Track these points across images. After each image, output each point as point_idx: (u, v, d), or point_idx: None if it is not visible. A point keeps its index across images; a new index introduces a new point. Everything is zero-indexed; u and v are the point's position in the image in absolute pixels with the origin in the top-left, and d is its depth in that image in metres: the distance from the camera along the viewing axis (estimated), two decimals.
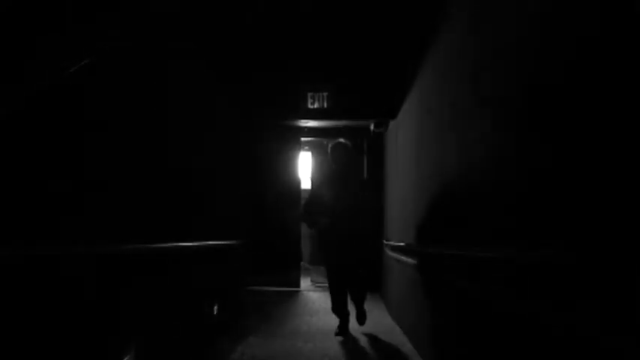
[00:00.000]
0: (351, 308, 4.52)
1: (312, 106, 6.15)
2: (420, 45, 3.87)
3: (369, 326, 4.68)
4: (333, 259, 4.36)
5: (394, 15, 4.34)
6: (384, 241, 6.25)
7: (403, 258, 4.48)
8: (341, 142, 4.54)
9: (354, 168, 4.67)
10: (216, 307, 3.94)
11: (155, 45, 2.69)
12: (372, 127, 6.72)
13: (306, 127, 6.79)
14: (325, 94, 6.16)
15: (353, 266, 4.37)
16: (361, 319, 4.53)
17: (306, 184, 7.62)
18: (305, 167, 7.88)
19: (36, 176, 1.61)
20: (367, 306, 5.93)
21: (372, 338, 4.24)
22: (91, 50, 1.93)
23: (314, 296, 6.42)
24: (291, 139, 7.11)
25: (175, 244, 2.94)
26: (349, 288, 4.41)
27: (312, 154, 7.92)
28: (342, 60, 5.59)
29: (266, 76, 5.65)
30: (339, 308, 4.38)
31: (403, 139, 5.01)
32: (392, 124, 5.97)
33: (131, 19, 2.34)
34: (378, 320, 5.07)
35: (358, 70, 5.68)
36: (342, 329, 4.30)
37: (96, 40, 1.98)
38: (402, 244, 4.51)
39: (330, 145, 4.57)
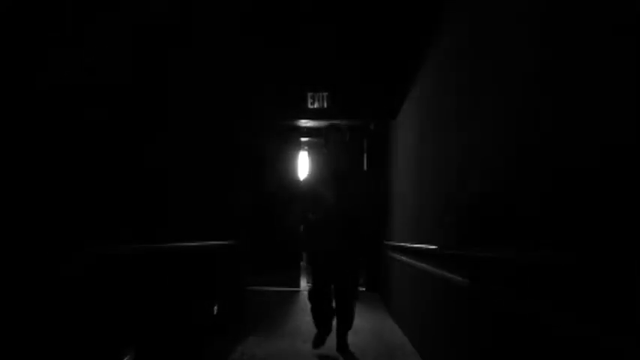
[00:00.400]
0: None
1: (312, 106, 6.15)
2: (421, 44, 3.87)
3: (369, 326, 4.68)
4: (319, 278, 3.75)
5: (395, 15, 4.34)
6: (385, 241, 6.26)
7: (404, 258, 4.49)
8: (336, 126, 3.92)
9: (352, 162, 3.98)
10: (216, 307, 3.93)
11: (155, 45, 2.69)
12: (372, 126, 6.73)
13: (305, 127, 6.80)
14: (325, 94, 6.17)
15: (342, 287, 3.74)
16: (342, 349, 3.78)
17: None
18: (305, 167, 7.89)
19: (29, 176, 1.61)
20: (367, 306, 5.93)
21: (372, 338, 4.24)
22: (92, 51, 1.93)
23: None
24: (291, 139, 7.12)
25: (175, 244, 2.94)
26: (337, 309, 3.77)
27: (312, 154, 7.93)
28: (343, 60, 5.60)
29: (266, 76, 5.65)
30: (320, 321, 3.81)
31: (404, 139, 5.01)
32: (393, 123, 5.98)
33: (130, 19, 2.34)
34: (379, 320, 5.07)
35: (358, 70, 5.68)
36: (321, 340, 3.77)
37: (96, 40, 1.98)
38: (402, 244, 4.52)
39: (323, 130, 3.93)
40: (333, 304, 3.76)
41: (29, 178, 1.57)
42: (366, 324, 4.80)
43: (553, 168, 1.48)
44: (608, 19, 1.21)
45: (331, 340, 3.94)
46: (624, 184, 1.11)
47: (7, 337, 1.43)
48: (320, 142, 3.95)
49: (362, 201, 3.80)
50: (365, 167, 7.00)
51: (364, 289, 7.01)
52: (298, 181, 3.74)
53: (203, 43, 3.80)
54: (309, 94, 6.20)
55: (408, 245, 4.11)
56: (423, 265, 3.44)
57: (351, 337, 4.00)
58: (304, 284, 7.28)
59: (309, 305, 3.80)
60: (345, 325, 3.76)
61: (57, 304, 1.68)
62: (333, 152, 3.79)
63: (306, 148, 7.85)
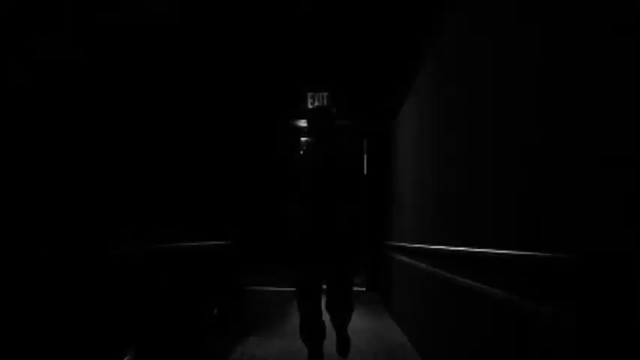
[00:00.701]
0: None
1: (312, 106, 6.15)
2: (421, 44, 3.87)
3: (369, 326, 4.68)
4: (305, 270, 3.17)
5: (395, 15, 4.34)
6: (384, 241, 6.26)
7: (404, 258, 4.49)
8: (322, 108, 3.31)
9: (343, 149, 3.31)
10: (216, 307, 3.93)
11: (155, 44, 2.69)
12: (372, 127, 6.73)
13: (305, 127, 6.80)
14: (325, 94, 6.17)
15: (335, 279, 3.20)
16: (344, 348, 3.41)
17: None
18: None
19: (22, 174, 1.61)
20: (368, 306, 5.93)
21: (372, 338, 4.24)
22: (90, 49, 1.93)
23: None
24: (291, 139, 7.12)
25: (175, 244, 2.94)
26: (331, 305, 3.26)
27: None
28: (343, 60, 5.60)
29: (265, 75, 5.65)
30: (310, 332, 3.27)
31: (404, 138, 5.01)
32: (393, 123, 5.98)
33: (129, 19, 2.34)
34: (378, 320, 5.07)
35: (358, 71, 5.68)
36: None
37: (93, 39, 1.98)
38: (401, 244, 4.52)
39: (307, 115, 3.32)
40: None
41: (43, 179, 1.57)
42: (366, 324, 4.80)
43: (548, 166, 1.48)
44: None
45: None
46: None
47: (9, 338, 1.43)
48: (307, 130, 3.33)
49: (356, 193, 3.24)
50: (365, 168, 7.00)
51: (364, 289, 7.01)
52: (291, 169, 3.27)
53: (205, 45, 3.79)
54: (309, 94, 6.20)
55: (404, 245, 4.11)
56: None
57: (351, 337, 3.99)
58: None
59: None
60: (345, 310, 3.24)
61: (59, 302, 1.68)
62: (320, 139, 3.22)
63: (305, 147, 7.85)
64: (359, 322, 4.82)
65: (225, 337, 4.06)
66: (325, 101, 6.17)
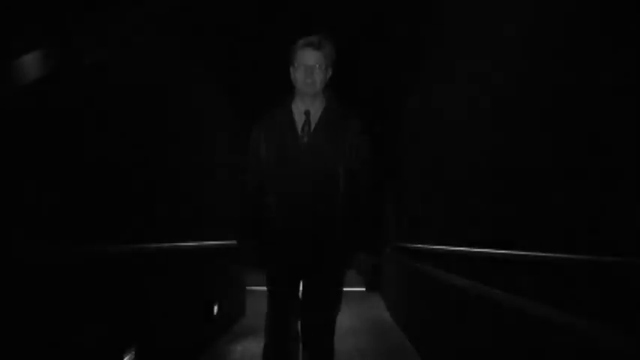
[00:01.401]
0: None
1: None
2: (425, 39, 3.83)
3: (369, 325, 4.68)
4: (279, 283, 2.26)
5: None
6: (385, 241, 6.27)
7: (405, 258, 4.49)
8: (313, 41, 2.11)
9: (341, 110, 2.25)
10: (216, 307, 3.93)
11: (157, 43, 2.69)
12: (376, 126, 6.71)
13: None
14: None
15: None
16: None
17: None
18: None
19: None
20: (368, 306, 5.90)
21: (372, 336, 4.24)
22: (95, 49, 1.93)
23: None
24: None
25: (176, 244, 2.93)
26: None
27: None
28: (343, 58, 5.57)
29: (263, 72, 5.63)
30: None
31: (413, 133, 5.01)
32: (400, 120, 5.95)
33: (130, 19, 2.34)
34: (378, 319, 5.08)
35: (360, 68, 5.65)
36: None
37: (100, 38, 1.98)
38: (402, 244, 4.52)
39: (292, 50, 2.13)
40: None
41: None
42: (366, 323, 4.80)
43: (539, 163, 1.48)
44: None
45: None
46: None
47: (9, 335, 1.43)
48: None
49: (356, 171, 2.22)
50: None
51: (364, 288, 7.01)
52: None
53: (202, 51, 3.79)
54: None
55: (403, 246, 4.11)
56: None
57: (351, 338, 3.99)
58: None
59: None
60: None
61: (62, 300, 1.68)
62: (307, 86, 2.10)
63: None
64: (359, 321, 4.82)
65: (225, 337, 4.06)
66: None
